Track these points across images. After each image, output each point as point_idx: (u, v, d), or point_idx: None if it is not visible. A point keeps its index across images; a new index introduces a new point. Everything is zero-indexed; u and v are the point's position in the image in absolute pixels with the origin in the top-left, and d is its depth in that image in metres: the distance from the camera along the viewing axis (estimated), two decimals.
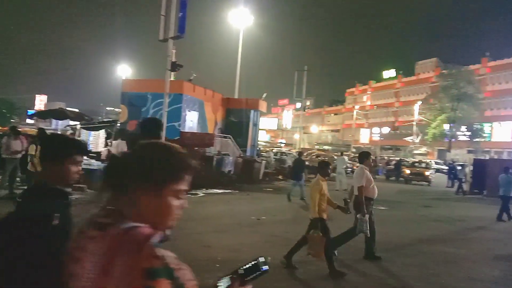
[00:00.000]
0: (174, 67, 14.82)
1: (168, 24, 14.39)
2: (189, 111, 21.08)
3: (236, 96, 28.18)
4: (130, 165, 1.17)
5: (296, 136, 60.78)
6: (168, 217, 1.17)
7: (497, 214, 12.79)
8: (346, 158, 23.39)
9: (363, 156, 7.12)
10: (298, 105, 50.89)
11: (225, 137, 21.41)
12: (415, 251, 7.90)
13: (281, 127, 69.86)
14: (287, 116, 64.12)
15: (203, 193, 13.94)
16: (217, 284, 1.24)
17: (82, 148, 2.12)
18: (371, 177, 6.91)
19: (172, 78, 24.58)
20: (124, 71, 53.69)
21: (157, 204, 1.15)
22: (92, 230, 1.12)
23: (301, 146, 36.60)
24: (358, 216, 6.51)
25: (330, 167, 7.45)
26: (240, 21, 30.95)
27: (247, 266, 1.27)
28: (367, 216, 6.48)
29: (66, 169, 1.94)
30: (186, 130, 20.18)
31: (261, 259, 1.28)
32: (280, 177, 21.92)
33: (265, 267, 1.27)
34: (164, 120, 13.98)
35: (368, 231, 6.52)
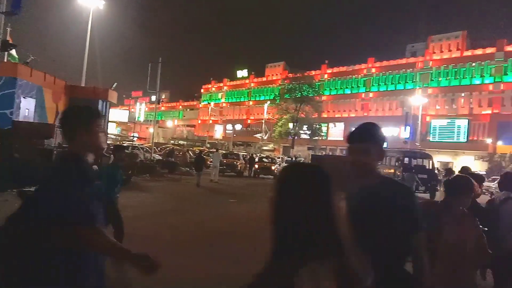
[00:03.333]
0: (6, 46, 13.05)
1: None
2: (24, 97, 18.70)
3: (83, 85, 26.02)
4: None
5: (151, 130, 59.18)
6: None
7: None
8: (220, 154, 25.04)
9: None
10: (153, 98, 49.63)
11: None
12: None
13: (133, 119, 67.27)
14: (140, 109, 61.95)
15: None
16: None
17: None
18: None
19: (17, 60, 21.44)
20: None
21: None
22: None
23: (155, 141, 35.75)
24: None
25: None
26: (89, 2, 28.58)
27: None
28: None
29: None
30: (21, 119, 17.89)
31: None
32: (130, 172, 20.88)
33: None
34: None
35: None
